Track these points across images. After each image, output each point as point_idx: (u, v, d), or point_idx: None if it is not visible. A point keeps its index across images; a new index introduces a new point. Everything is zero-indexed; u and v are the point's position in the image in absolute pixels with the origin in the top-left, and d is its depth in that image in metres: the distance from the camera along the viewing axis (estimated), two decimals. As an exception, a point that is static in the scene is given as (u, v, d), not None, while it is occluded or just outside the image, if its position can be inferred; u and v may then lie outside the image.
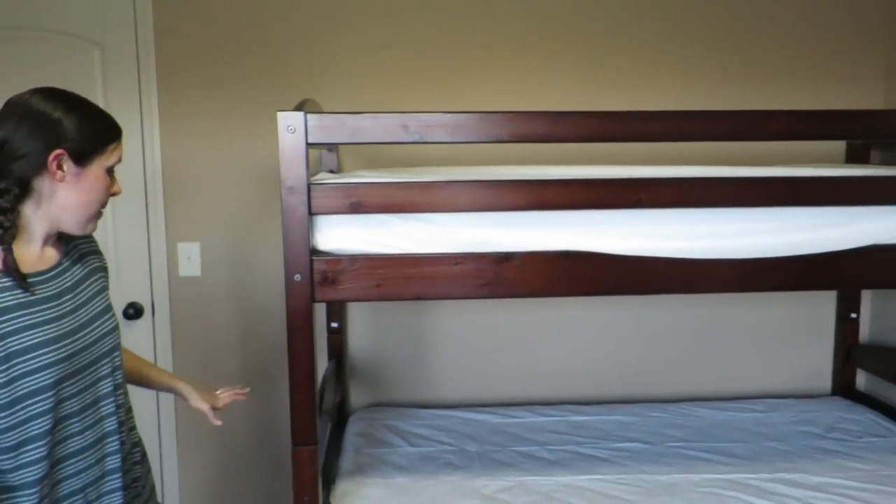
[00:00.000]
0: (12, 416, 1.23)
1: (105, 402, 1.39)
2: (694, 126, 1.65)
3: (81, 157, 1.28)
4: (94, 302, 1.39)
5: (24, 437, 1.24)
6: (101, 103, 2.50)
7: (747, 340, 2.88)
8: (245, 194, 2.68)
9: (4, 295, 1.22)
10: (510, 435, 2.48)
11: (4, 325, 1.21)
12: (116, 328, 1.43)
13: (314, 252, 1.65)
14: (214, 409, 1.66)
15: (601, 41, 2.67)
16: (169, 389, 1.66)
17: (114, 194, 1.36)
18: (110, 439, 1.40)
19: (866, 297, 2.89)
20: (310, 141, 1.59)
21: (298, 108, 1.62)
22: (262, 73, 2.63)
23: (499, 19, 2.64)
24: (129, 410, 1.51)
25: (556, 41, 2.67)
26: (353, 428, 2.52)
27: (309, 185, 1.60)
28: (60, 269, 1.35)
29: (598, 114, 1.62)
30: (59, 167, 1.26)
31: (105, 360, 1.39)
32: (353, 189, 1.62)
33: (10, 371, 1.21)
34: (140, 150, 2.62)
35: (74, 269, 1.38)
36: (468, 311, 2.79)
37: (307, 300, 1.63)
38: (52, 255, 1.34)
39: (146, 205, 2.66)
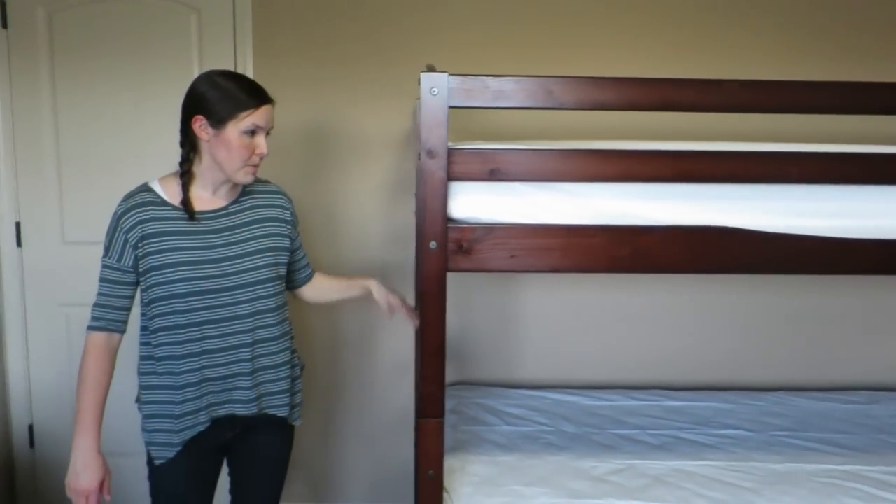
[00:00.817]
0: (166, 306, 1.64)
1: (240, 321, 1.69)
2: (855, 99, 1.56)
3: (217, 122, 1.60)
4: (247, 243, 1.70)
5: (171, 323, 1.65)
6: (195, 67, 2.55)
7: (842, 329, 2.78)
8: (344, 162, 2.64)
9: (175, 220, 1.64)
10: (605, 417, 2.42)
11: (168, 240, 1.62)
12: (262, 268, 1.70)
13: (448, 220, 1.59)
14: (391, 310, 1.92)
15: (720, 13, 2.58)
16: (359, 289, 1.96)
17: (259, 155, 1.64)
18: (242, 350, 1.70)
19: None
20: (451, 104, 1.52)
21: (430, 69, 1.56)
22: (361, 40, 2.58)
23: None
24: (279, 334, 1.77)
25: (671, 14, 2.58)
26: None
27: (449, 150, 1.54)
28: (224, 212, 1.70)
29: (753, 83, 1.54)
30: (203, 130, 1.61)
31: (243, 290, 1.69)
32: (493, 155, 1.56)
33: (165, 273, 1.62)
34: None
35: (239, 214, 1.71)
36: (555, 288, 2.73)
37: (441, 268, 1.58)
38: (221, 199, 1.70)
39: (237, 173, 2.62)
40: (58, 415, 2.73)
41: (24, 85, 2.56)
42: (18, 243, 2.65)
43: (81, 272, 2.64)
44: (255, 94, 1.61)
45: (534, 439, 2.22)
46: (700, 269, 1.63)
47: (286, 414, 1.81)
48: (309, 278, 1.96)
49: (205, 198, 1.68)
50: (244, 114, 1.59)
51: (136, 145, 2.59)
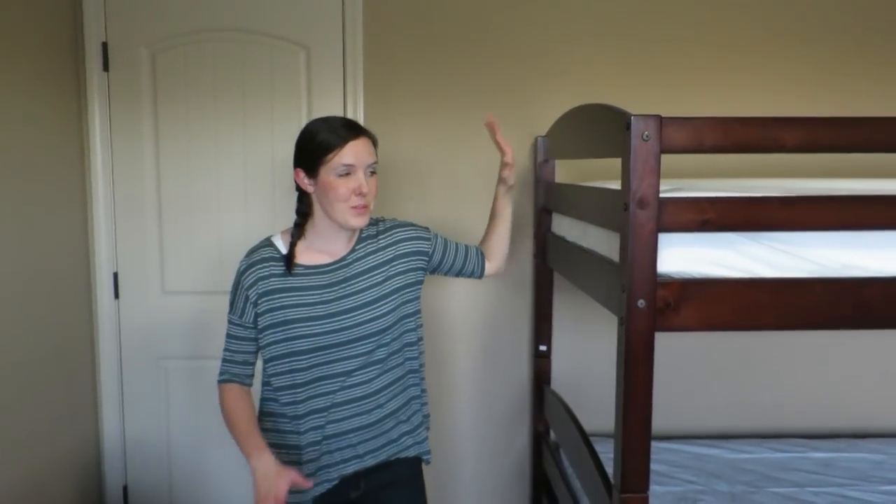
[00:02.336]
0: (286, 364, 1.60)
1: (352, 376, 1.61)
2: None
3: (310, 170, 1.56)
4: (366, 292, 1.62)
5: (290, 383, 1.60)
6: (303, 108, 2.44)
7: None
8: (458, 201, 2.52)
9: (282, 278, 1.59)
10: (754, 473, 2.26)
11: (287, 297, 1.58)
12: (384, 315, 1.63)
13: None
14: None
15: (840, 41, 2.47)
16: (502, 207, 1.87)
17: (359, 195, 1.54)
18: (366, 402, 1.63)
19: None
20: (664, 149, 1.40)
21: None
22: (474, 78, 2.48)
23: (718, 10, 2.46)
24: (413, 371, 1.72)
25: (793, 41, 2.47)
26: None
27: (659, 200, 1.41)
28: (340, 263, 1.62)
29: None
30: (304, 182, 1.58)
31: (364, 342, 1.61)
32: (707, 204, 1.42)
33: (285, 330, 1.58)
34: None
35: (357, 263, 1.63)
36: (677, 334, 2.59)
37: (650, 329, 1.44)
38: (337, 251, 1.63)
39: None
40: (153, 474, 2.60)
41: (125, 130, 2.45)
42: (116, 295, 2.52)
43: (181, 323, 2.53)
44: (339, 133, 1.53)
45: (691, 501, 2.06)
46: (928, 324, 1.48)
47: (416, 453, 1.73)
48: (481, 258, 1.85)
49: (324, 250, 1.62)
50: (330, 155, 1.52)
51: (240, 192, 2.48)
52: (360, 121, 2.46)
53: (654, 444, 2.42)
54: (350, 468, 1.65)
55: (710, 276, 1.47)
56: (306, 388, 1.60)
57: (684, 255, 1.47)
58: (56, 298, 2.27)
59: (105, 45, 2.41)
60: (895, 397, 2.62)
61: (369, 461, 1.66)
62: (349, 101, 2.45)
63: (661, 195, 1.42)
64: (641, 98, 2.45)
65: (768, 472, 2.25)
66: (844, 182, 1.73)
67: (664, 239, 1.45)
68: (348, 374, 1.61)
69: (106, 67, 2.41)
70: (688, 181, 1.85)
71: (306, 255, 1.61)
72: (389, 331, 1.65)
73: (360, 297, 1.61)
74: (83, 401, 2.47)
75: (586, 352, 2.60)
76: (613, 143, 1.50)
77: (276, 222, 2.48)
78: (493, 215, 1.88)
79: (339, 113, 2.45)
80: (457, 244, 1.82)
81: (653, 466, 2.24)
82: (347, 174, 1.53)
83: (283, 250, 1.60)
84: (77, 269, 2.41)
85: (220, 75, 2.43)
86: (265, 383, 1.66)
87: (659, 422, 2.57)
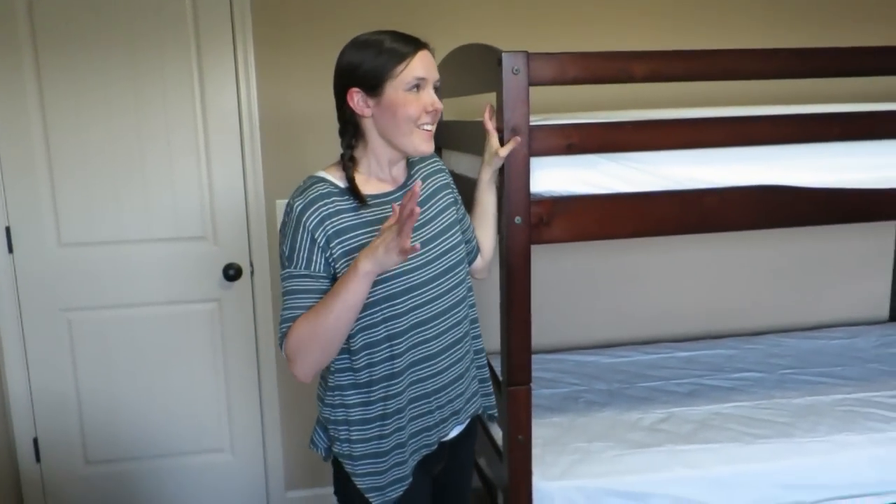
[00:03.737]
0: (374, 315, 1.38)
1: (451, 313, 1.47)
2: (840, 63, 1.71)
3: (373, 88, 1.36)
4: (439, 219, 1.49)
5: (386, 333, 1.39)
6: (192, 56, 2.45)
7: (807, 273, 3.03)
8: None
9: (351, 214, 1.37)
10: (628, 373, 2.56)
11: (364, 235, 1.36)
12: (458, 245, 1.50)
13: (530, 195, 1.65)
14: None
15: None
16: (486, 195, 1.67)
17: (432, 112, 1.38)
18: (446, 353, 1.47)
19: (923, 227, 3.09)
20: (532, 82, 1.57)
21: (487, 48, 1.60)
22: (372, 19, 2.55)
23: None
24: (475, 321, 1.59)
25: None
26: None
27: (529, 128, 1.59)
28: (405, 190, 1.46)
29: (811, 51, 1.67)
30: (362, 103, 1.38)
31: (444, 279, 1.45)
32: (571, 130, 1.62)
33: None
34: (235, 100, 2.52)
35: (422, 188, 1.48)
36: (557, 255, 2.84)
37: (526, 242, 1.64)
38: (397, 177, 1.47)
39: (243, 162, 2.57)
40: (63, 425, 2.62)
41: (5, 80, 2.39)
42: (10, 249, 2.50)
43: (82, 275, 2.54)
44: (406, 42, 1.36)
45: (574, 399, 2.33)
46: (757, 226, 1.76)
47: (492, 404, 1.64)
48: (477, 248, 1.67)
49: (380, 182, 1.45)
50: (400, 67, 1.34)
51: (134, 140, 2.49)
52: (252, 64, 2.50)
53: (542, 356, 2.69)
54: (449, 430, 1.52)
55: (576, 193, 1.68)
56: (404, 338, 1.40)
57: (554, 176, 1.66)
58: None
59: (-25, -8, 2.33)
60: (749, 302, 2.99)
61: (464, 419, 1.55)
62: (239, 48, 2.48)
63: (532, 124, 1.60)
64: (519, 38, 2.61)
65: (640, 371, 2.56)
66: (689, 111, 1.97)
67: (536, 162, 1.65)
68: (443, 314, 1.45)
69: (-21, 16, 2.34)
70: (558, 115, 2.04)
71: (367, 186, 1.42)
72: (465, 265, 1.53)
73: (435, 225, 1.47)
74: (-16, 357, 2.46)
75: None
76: (488, 79, 1.66)
77: (173, 171, 2.52)
78: (476, 206, 1.67)
79: (228, 57, 2.49)
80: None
81: (541, 374, 2.51)
82: (417, 88, 1.37)
83: (341, 184, 1.39)
84: (-34, 225, 2.37)
85: (104, 25, 2.40)
86: (343, 351, 1.40)
87: (547, 337, 2.86)
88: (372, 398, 1.40)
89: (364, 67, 1.36)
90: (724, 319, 2.99)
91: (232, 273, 2.59)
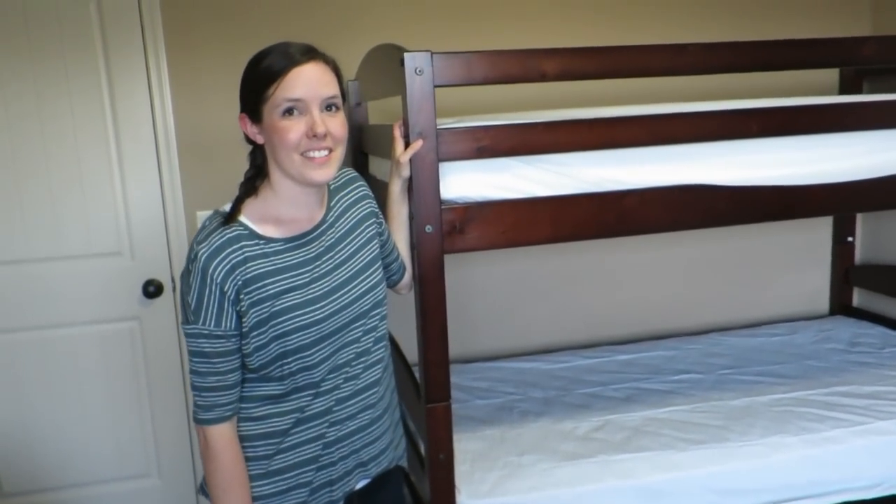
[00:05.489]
0: (282, 368, 1.28)
1: (367, 356, 1.39)
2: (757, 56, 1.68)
3: (253, 114, 1.25)
4: (354, 259, 1.36)
5: (291, 387, 1.30)
6: (100, 61, 2.33)
7: (746, 270, 3.01)
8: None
9: (262, 261, 1.24)
10: (566, 379, 2.50)
11: (263, 289, 1.23)
12: (376, 285, 1.39)
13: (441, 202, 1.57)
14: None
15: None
16: (397, 207, 1.59)
17: (314, 135, 1.21)
18: (359, 397, 1.38)
19: (858, 220, 3.10)
20: (437, 83, 1.50)
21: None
22: (292, 18, 2.45)
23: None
24: (386, 367, 1.46)
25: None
26: (408, 387, 2.46)
27: (437, 131, 1.51)
28: (323, 227, 1.34)
29: (720, 45, 1.62)
30: (250, 130, 1.28)
31: (358, 323, 1.35)
32: (482, 132, 1.55)
33: (269, 331, 1.25)
34: (149, 111, 2.40)
35: (338, 224, 1.36)
36: (493, 262, 2.77)
37: (439, 251, 1.56)
38: (315, 213, 1.33)
39: (159, 172, 2.44)
40: (17, 451, 2.46)
41: None
42: None
43: (12, 293, 2.38)
44: (283, 57, 1.21)
45: (509, 409, 2.26)
46: (677, 227, 1.71)
47: (402, 456, 1.54)
48: (404, 266, 1.60)
49: (296, 217, 1.31)
50: (270, 90, 1.20)
51: (40, 153, 2.34)
52: (165, 73, 2.39)
53: (480, 365, 2.62)
54: (355, 482, 1.41)
55: (491, 198, 1.61)
56: (312, 390, 1.32)
57: (466, 181, 1.59)
58: None
59: None
60: (689, 301, 2.96)
61: (373, 469, 1.43)
62: (150, 51, 2.36)
63: (440, 127, 1.52)
64: (442, 37, 2.54)
65: (578, 376, 2.50)
66: (603, 109, 1.91)
67: (446, 168, 1.57)
68: (353, 361, 1.36)
69: None
70: (469, 117, 1.96)
71: (277, 227, 1.28)
72: (377, 309, 1.39)
73: (351, 265, 1.35)
74: None
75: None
76: (395, 81, 1.58)
77: (83, 185, 2.38)
78: (390, 220, 1.57)
79: (140, 66, 2.36)
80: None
81: (476, 384, 2.44)
82: (294, 112, 1.21)
83: (250, 224, 1.26)
84: None
85: (7, 30, 2.26)
86: (243, 398, 1.31)
87: (485, 344, 2.79)
88: (283, 446, 1.33)
89: (243, 90, 1.26)
90: (664, 319, 2.95)
91: (152, 290, 2.46)
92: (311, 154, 1.22)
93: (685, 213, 1.70)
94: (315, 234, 1.33)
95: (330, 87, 1.24)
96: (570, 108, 1.99)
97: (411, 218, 1.56)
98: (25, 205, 2.36)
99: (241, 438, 1.31)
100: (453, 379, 2.50)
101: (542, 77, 1.56)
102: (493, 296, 2.78)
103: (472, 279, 2.76)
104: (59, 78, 2.32)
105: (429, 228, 1.54)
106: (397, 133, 1.53)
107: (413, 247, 1.57)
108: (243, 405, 1.31)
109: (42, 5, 2.27)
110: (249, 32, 2.42)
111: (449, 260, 2.56)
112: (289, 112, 1.21)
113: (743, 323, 2.99)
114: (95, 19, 2.32)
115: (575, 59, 1.56)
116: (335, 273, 1.33)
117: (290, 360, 1.28)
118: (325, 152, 1.24)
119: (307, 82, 1.21)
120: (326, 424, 1.34)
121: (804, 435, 1.98)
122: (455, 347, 2.76)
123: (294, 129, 1.21)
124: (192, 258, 1.23)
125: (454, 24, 2.58)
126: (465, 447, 1.99)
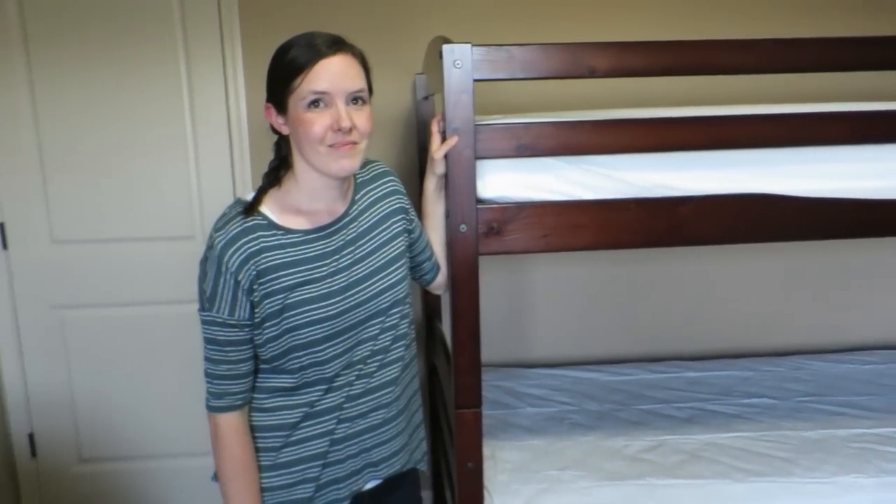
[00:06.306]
0: (293, 361, 1.27)
1: (369, 361, 1.36)
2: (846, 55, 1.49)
3: (280, 105, 1.24)
4: (376, 255, 1.34)
5: (303, 381, 1.29)
6: (179, 50, 2.41)
7: (854, 290, 2.76)
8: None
9: (278, 252, 1.24)
10: (627, 393, 2.38)
11: (277, 280, 1.23)
12: (398, 283, 1.37)
13: (478, 200, 1.51)
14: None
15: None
16: (433, 206, 1.56)
17: (339, 128, 1.20)
18: (372, 396, 1.36)
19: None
20: (476, 77, 1.44)
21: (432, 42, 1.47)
22: (355, 12, 2.46)
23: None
24: (406, 366, 1.44)
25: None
26: (461, 389, 2.41)
27: (475, 127, 1.45)
28: (345, 221, 1.32)
29: (787, 41, 1.47)
30: (276, 121, 1.27)
31: (376, 321, 1.34)
32: (522, 130, 1.48)
33: (281, 324, 1.24)
34: (224, 100, 2.47)
35: (362, 218, 1.35)
36: (563, 263, 2.67)
37: (473, 252, 1.50)
38: (338, 205, 1.32)
39: (231, 159, 2.52)
40: (59, 422, 2.63)
41: (-3, 77, 2.41)
42: (4, 245, 2.52)
43: (74, 272, 2.54)
44: (310, 49, 1.19)
45: (559, 420, 2.17)
46: (736, 240, 1.57)
47: (421, 459, 1.51)
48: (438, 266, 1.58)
49: (317, 209, 1.30)
50: (297, 80, 1.18)
51: (124, 135, 2.47)
52: (239, 63, 2.45)
53: (537, 371, 2.54)
54: (363, 482, 1.38)
55: (531, 199, 1.53)
56: (323, 385, 1.31)
57: (505, 181, 1.52)
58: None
59: (-30, -9, 2.35)
60: (774, 320, 2.74)
61: (384, 471, 1.40)
62: (226, 40, 2.43)
63: (477, 123, 1.46)
64: (513, 32, 2.46)
65: (639, 391, 2.37)
66: (655, 110, 1.77)
67: (485, 166, 1.51)
68: (366, 359, 1.34)
69: (-27, 14, 2.36)
70: (518, 115, 1.89)
71: (297, 218, 1.28)
72: (396, 308, 1.37)
73: (372, 261, 1.34)
74: (-22, 352, 2.50)
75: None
76: (439, 74, 1.53)
77: (160, 171, 2.49)
78: (426, 218, 1.56)
79: (216, 56, 2.44)
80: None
81: (531, 390, 2.36)
82: (320, 104, 1.20)
83: (269, 214, 1.27)
84: (-40, 221, 2.40)
85: (93, 19, 2.39)
86: (256, 388, 1.32)
87: (545, 350, 2.70)
88: (292, 440, 1.33)
89: (269, 80, 1.25)
90: (742, 337, 2.75)
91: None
92: (332, 143, 1.22)
93: (748, 225, 1.55)
94: (336, 227, 1.32)
95: (356, 81, 1.23)
96: (620, 109, 1.88)
97: (447, 216, 1.51)
98: (107, 187, 2.49)
99: (252, 428, 1.32)
100: (508, 384, 2.45)
101: (591, 73, 1.46)
102: (558, 299, 2.69)
103: (536, 281, 2.67)
104: (142, 64, 2.42)
105: (463, 228, 1.49)
106: (434, 128, 1.49)
107: (448, 246, 1.52)
108: (255, 395, 1.32)
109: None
110: (322, 22, 2.43)
111: (510, 260, 2.50)
112: (314, 104, 1.20)
113: (832, 347, 2.74)
114: (177, 8, 2.41)
115: (627, 53, 1.46)
116: (354, 268, 1.32)
117: (300, 353, 1.27)
118: (348, 146, 1.23)
119: (333, 75, 1.20)
120: (336, 421, 1.32)
121: (883, 477, 1.78)
122: (514, 352, 2.70)
123: (319, 121, 1.20)
124: (209, 245, 1.24)
125: (531, 21, 2.50)
126: (507, 456, 1.93)
